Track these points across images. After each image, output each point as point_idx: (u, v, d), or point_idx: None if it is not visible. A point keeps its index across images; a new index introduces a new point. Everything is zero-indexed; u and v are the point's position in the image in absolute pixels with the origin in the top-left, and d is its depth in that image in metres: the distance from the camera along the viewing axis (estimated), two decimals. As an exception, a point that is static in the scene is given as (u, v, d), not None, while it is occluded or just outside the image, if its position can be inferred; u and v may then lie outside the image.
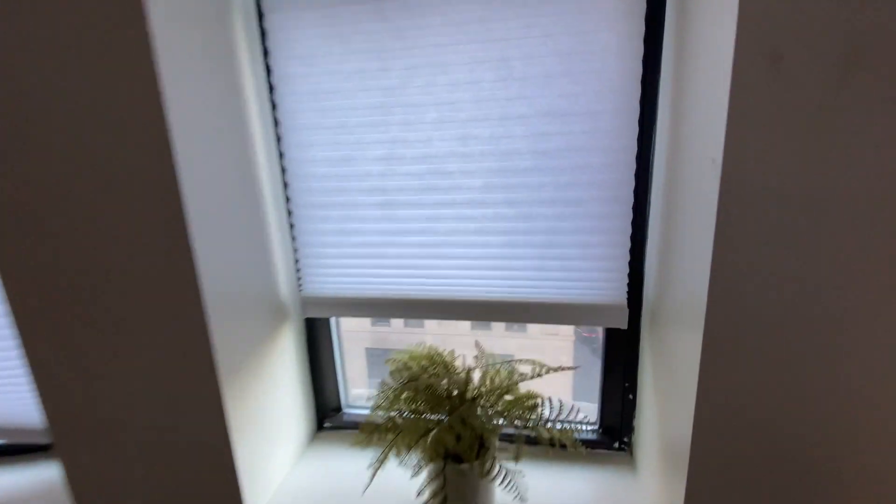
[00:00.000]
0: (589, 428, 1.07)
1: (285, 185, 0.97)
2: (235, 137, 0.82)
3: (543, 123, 0.83)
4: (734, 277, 0.59)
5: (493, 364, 0.94)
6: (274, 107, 0.92)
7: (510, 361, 0.96)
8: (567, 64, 0.79)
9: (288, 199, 0.98)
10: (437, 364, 0.97)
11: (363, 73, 0.86)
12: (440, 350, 1.02)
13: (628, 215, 0.85)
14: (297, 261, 1.02)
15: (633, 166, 0.82)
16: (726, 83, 0.54)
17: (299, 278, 1.03)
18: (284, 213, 0.98)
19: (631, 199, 0.84)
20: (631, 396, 1.01)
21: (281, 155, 0.95)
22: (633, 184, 0.83)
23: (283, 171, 0.96)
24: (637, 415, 1.01)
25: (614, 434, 1.05)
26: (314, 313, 1.05)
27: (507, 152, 0.85)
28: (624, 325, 0.91)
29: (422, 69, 0.84)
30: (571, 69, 0.79)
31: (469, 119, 0.85)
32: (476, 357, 0.99)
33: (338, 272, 1.00)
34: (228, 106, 0.80)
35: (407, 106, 0.87)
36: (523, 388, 0.88)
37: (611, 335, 0.99)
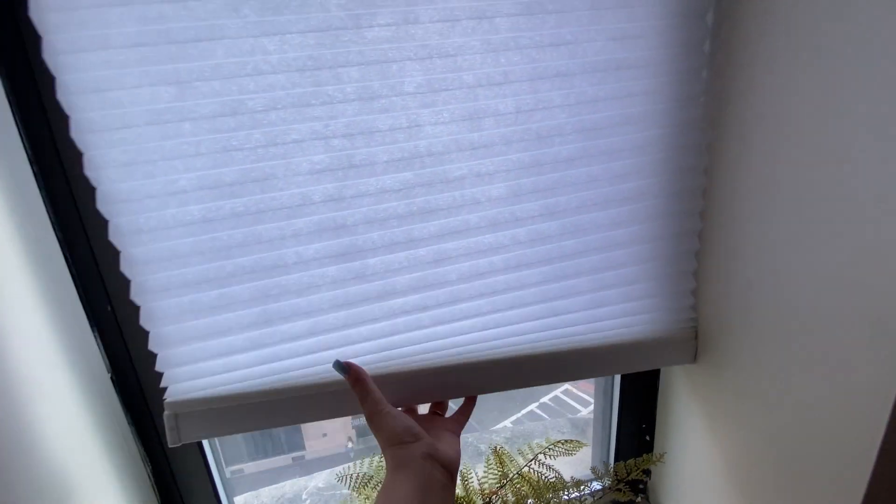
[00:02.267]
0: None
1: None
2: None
3: (591, 83, 0.53)
4: None
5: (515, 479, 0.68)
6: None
7: (531, 463, 0.69)
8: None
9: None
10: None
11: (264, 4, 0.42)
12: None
13: (696, 211, 0.61)
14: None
15: (705, 139, 0.59)
16: None
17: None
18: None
19: (702, 188, 0.61)
20: (648, 438, 0.82)
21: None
22: (703, 167, 0.60)
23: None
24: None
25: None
26: (187, 435, 0.52)
27: (543, 134, 0.53)
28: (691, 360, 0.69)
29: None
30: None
31: (479, 83, 0.50)
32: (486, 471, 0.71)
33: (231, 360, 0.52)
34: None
35: (365, 64, 0.46)
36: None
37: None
